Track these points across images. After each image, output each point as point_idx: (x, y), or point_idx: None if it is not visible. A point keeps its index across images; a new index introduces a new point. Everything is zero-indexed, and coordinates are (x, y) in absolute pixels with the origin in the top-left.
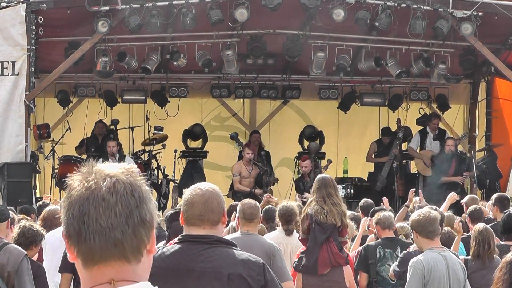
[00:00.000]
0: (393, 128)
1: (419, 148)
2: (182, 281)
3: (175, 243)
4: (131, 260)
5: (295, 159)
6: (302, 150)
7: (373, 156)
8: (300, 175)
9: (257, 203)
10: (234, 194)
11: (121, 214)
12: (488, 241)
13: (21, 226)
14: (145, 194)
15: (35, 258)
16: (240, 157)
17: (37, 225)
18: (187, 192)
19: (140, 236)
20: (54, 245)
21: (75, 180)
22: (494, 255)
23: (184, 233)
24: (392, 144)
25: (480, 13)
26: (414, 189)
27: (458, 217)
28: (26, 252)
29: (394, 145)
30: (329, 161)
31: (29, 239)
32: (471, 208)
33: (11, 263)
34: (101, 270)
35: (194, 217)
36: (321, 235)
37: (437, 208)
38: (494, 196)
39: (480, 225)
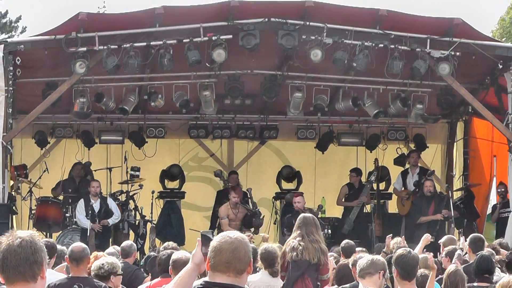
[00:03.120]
0: (369, 168)
1: (403, 188)
2: None
3: (197, 287)
4: (30, 282)
5: (273, 199)
6: (279, 190)
7: (343, 200)
8: (289, 214)
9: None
10: None
11: (23, 258)
12: (456, 285)
13: None
14: (38, 247)
15: None
16: (218, 197)
17: None
18: (216, 239)
19: (34, 270)
20: None
21: (2, 238)
22: None
23: (208, 280)
24: (362, 188)
25: (457, 53)
26: (391, 234)
27: (430, 253)
28: None
29: (364, 191)
30: (320, 207)
31: None
32: (448, 248)
33: None
34: (16, 286)
35: (220, 264)
36: (295, 272)
37: (411, 250)
38: (469, 237)
39: (452, 267)
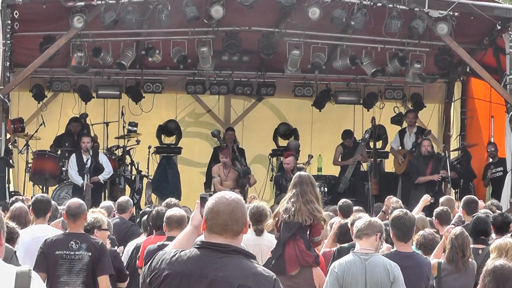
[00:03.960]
0: (366, 126)
1: (400, 147)
2: (193, 287)
3: (194, 248)
4: None
5: (269, 156)
6: (276, 147)
7: (339, 159)
8: (279, 173)
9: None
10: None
11: None
12: (463, 247)
13: None
14: None
15: None
16: (214, 154)
17: (12, 223)
18: (212, 200)
19: None
20: (26, 243)
21: None
22: (470, 260)
23: (204, 240)
24: (357, 146)
25: (456, 13)
26: (392, 196)
27: (448, 226)
28: (15, 250)
29: (358, 149)
30: (310, 156)
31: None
32: (439, 209)
33: None
34: None
35: (217, 226)
36: (286, 233)
37: (408, 212)
38: (463, 199)
39: (458, 229)
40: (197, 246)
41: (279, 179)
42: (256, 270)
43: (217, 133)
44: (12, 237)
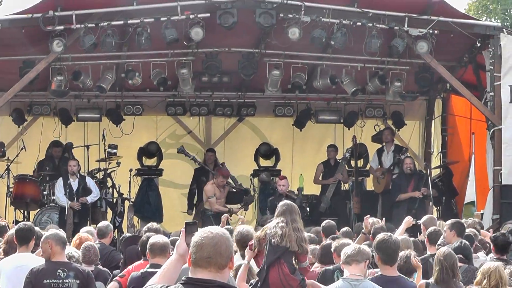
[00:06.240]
0: (347, 145)
1: (379, 166)
2: None
3: (179, 284)
4: None
5: (251, 176)
6: (257, 168)
7: (320, 178)
8: (271, 197)
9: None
10: (203, 213)
11: None
12: (452, 267)
13: None
14: None
15: None
16: (196, 174)
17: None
18: (198, 235)
19: None
20: (8, 271)
21: None
22: (459, 281)
23: (189, 275)
24: (338, 165)
25: (435, 31)
26: (369, 215)
27: (413, 252)
28: None
29: (339, 169)
30: (300, 190)
31: None
32: (431, 229)
33: None
34: None
35: (202, 259)
36: (271, 256)
37: (392, 235)
38: (452, 221)
39: (445, 249)
40: (182, 282)
41: (274, 203)
42: None
43: (181, 149)
44: None
